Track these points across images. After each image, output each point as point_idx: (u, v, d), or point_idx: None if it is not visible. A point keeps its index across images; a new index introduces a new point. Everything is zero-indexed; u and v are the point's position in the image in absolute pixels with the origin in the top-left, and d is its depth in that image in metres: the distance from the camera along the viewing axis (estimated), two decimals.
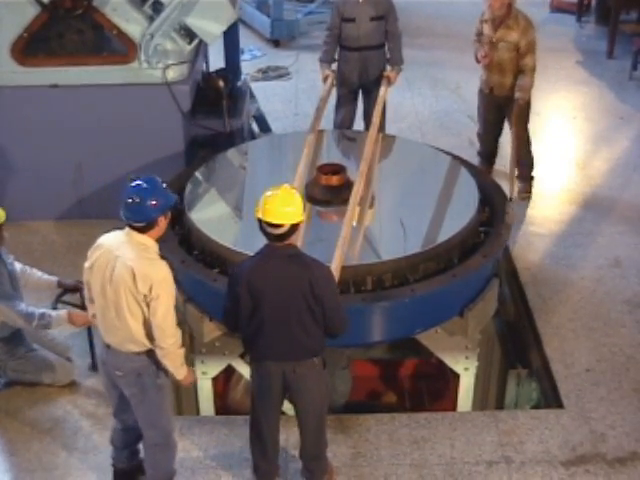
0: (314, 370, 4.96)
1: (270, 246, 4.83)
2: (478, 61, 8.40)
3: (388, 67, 8.48)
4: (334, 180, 6.34)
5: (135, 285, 4.73)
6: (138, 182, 4.82)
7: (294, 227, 4.78)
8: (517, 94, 8.16)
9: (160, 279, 4.75)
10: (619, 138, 9.85)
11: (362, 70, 8.40)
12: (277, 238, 4.77)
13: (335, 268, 5.34)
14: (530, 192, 8.63)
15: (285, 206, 4.74)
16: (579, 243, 7.87)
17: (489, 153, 8.89)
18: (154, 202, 4.75)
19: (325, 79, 8.32)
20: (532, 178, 8.70)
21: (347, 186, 6.31)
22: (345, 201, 6.13)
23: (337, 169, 6.41)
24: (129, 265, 4.73)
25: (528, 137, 8.59)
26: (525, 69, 8.11)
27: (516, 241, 7.72)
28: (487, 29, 8.23)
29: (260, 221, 4.78)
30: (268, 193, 4.81)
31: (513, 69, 8.17)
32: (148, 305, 4.77)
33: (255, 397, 5.15)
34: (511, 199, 7.81)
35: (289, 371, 4.94)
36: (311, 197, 6.32)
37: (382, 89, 8.11)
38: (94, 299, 4.98)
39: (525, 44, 8.04)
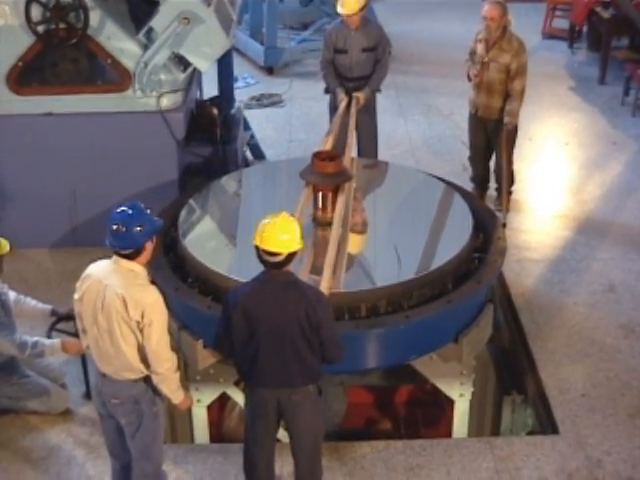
0: (310, 398, 4.94)
1: (267, 273, 4.82)
2: (470, 79, 8.47)
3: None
4: (330, 167, 6.30)
5: (127, 312, 4.72)
6: (122, 209, 4.82)
7: (291, 255, 4.76)
8: (506, 119, 8.24)
9: (151, 304, 4.74)
10: (612, 163, 9.89)
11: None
12: (274, 266, 4.76)
13: (325, 287, 5.34)
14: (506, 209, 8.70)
15: (283, 234, 4.73)
16: (573, 268, 7.88)
17: (481, 178, 8.94)
18: (140, 228, 4.75)
19: (341, 102, 8.26)
20: (510, 193, 8.78)
21: (343, 173, 6.35)
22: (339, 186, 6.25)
23: (333, 155, 6.42)
24: (119, 293, 4.72)
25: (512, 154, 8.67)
26: (513, 93, 8.18)
27: (510, 267, 7.72)
28: (480, 49, 8.33)
29: (257, 248, 4.77)
30: (266, 220, 4.80)
31: (501, 91, 8.25)
32: (141, 331, 4.76)
33: (249, 425, 5.12)
34: (504, 225, 7.85)
35: (284, 398, 4.91)
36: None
37: (352, 110, 8.11)
38: (87, 330, 4.96)
39: (516, 67, 8.12)
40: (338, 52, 8.37)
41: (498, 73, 8.19)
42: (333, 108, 8.47)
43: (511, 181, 8.78)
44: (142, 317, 4.72)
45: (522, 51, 8.19)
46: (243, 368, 4.99)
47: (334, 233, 5.86)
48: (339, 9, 8.28)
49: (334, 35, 8.42)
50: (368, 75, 8.40)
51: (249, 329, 4.79)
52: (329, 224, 6.13)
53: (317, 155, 6.38)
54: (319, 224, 6.34)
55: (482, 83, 8.32)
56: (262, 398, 4.96)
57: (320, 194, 6.33)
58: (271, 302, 4.76)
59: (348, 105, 8.24)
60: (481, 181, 8.96)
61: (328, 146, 7.10)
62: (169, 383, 4.93)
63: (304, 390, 4.91)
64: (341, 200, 6.23)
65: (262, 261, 4.79)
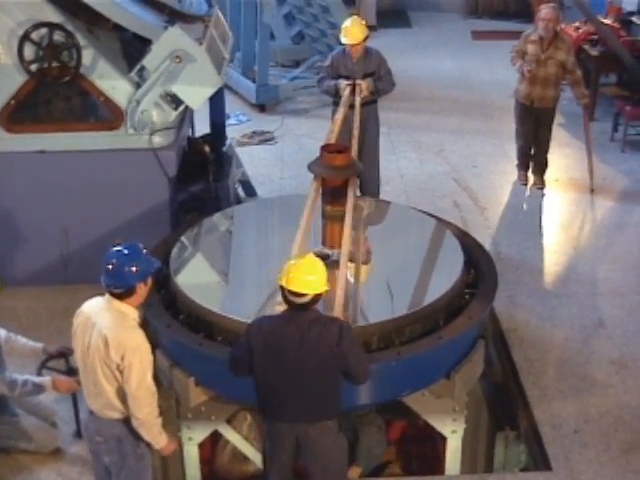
0: (328, 433, 4.92)
1: (291, 312, 4.81)
2: (523, 75, 9.51)
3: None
4: (338, 159, 6.22)
5: (107, 353, 4.71)
6: (119, 248, 4.83)
7: (317, 296, 4.75)
8: (583, 101, 9.80)
9: (133, 348, 4.71)
10: (602, 199, 9.94)
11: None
12: (299, 307, 4.74)
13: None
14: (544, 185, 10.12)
15: (309, 275, 4.71)
16: (564, 304, 7.89)
17: (527, 157, 10.12)
18: (134, 268, 4.75)
19: (345, 88, 8.30)
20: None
21: (351, 165, 6.29)
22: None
23: (341, 148, 6.38)
24: (103, 333, 4.71)
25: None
26: (576, 80, 9.62)
27: (502, 302, 7.73)
28: (533, 48, 9.48)
29: (282, 289, 4.75)
30: (292, 261, 4.80)
31: (555, 82, 9.57)
32: (122, 373, 4.74)
33: (267, 458, 5.11)
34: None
35: (301, 433, 4.90)
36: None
37: (356, 101, 8.17)
38: (78, 365, 4.97)
39: (572, 61, 9.51)
40: (340, 77, 8.45)
41: (555, 67, 9.44)
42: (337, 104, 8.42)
43: (546, 163, 10.11)
44: (122, 359, 4.71)
45: (572, 47, 9.67)
46: (262, 401, 4.97)
47: (342, 266, 5.71)
48: (343, 39, 8.37)
49: (336, 62, 8.51)
50: (368, 101, 8.48)
51: (270, 364, 4.79)
52: (339, 218, 6.08)
53: (325, 148, 6.33)
54: (329, 218, 6.29)
55: (538, 78, 9.47)
56: (280, 432, 4.95)
57: (329, 187, 6.26)
58: (294, 341, 4.74)
59: (352, 93, 8.29)
60: (527, 161, 10.14)
61: (333, 136, 7.05)
62: (148, 428, 4.88)
63: (322, 425, 4.89)
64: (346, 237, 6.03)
65: (287, 302, 4.78)
